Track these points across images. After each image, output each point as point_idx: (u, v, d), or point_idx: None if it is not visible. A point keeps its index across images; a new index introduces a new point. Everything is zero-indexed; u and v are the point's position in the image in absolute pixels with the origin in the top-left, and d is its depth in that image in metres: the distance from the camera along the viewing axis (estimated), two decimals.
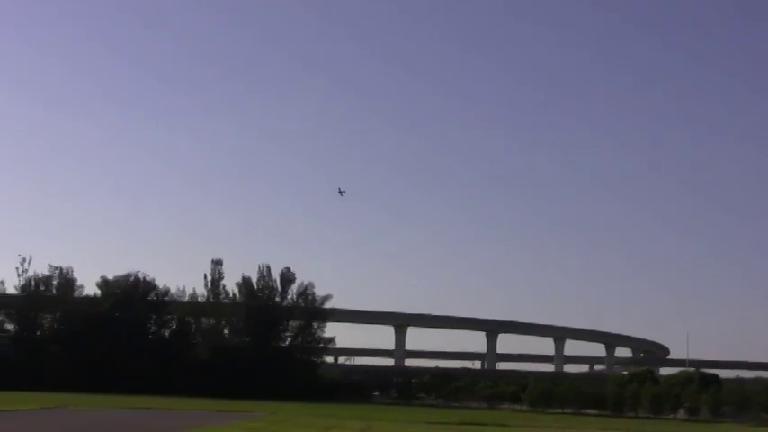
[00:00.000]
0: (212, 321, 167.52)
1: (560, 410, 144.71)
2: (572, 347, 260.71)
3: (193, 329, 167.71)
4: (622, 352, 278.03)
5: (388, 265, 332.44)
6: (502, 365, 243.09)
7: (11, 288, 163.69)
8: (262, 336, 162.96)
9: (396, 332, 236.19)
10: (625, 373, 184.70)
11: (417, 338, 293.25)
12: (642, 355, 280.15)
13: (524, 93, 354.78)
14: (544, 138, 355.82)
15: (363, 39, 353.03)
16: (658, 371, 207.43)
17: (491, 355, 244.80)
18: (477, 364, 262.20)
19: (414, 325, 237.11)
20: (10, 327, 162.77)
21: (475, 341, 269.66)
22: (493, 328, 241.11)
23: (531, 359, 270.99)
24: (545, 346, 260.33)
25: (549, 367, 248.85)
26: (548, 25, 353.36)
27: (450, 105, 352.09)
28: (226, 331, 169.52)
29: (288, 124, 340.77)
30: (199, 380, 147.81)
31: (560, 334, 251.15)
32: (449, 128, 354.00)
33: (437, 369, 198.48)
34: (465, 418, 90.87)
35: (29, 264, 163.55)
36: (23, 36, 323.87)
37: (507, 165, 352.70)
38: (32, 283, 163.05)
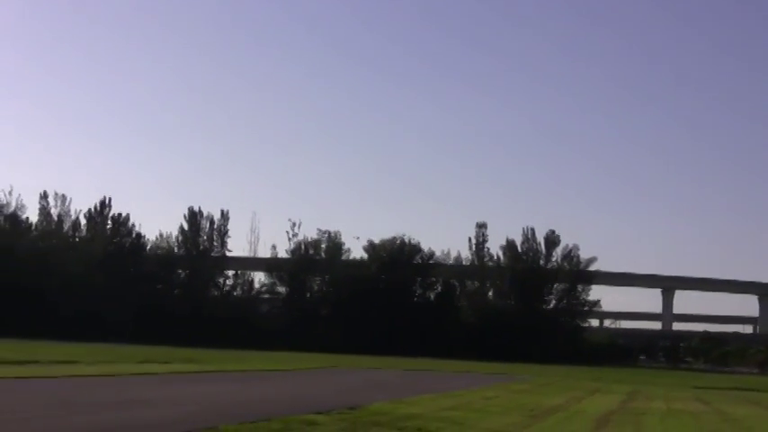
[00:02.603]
0: (477, 284, 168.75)
1: None
2: None
3: (458, 292, 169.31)
4: None
5: (657, 225, 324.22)
6: None
7: (282, 252, 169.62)
8: (526, 299, 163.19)
9: (663, 295, 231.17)
10: None
11: (686, 301, 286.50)
12: None
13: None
14: None
15: None
16: None
17: (764, 319, 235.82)
18: (748, 329, 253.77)
19: (682, 288, 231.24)
20: (282, 290, 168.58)
21: (746, 305, 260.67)
22: (766, 291, 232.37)
23: None
24: None
25: None
26: None
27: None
28: (490, 294, 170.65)
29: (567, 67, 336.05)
30: (463, 342, 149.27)
31: None
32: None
33: (706, 333, 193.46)
34: (736, 384, 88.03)
35: (299, 228, 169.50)
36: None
37: None
38: (302, 247, 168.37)
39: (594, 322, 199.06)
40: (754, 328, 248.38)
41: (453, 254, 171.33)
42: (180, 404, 32.00)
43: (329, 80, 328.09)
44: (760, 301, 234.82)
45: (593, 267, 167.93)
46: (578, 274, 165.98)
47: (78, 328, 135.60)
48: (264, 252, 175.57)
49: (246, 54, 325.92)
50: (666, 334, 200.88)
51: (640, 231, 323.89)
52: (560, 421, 33.33)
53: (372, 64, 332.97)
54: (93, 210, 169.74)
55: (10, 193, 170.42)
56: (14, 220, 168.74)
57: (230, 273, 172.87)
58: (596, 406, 43.26)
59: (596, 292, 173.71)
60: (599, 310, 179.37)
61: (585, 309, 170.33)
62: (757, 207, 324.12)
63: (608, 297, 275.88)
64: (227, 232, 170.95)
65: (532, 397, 47.99)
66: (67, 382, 41.66)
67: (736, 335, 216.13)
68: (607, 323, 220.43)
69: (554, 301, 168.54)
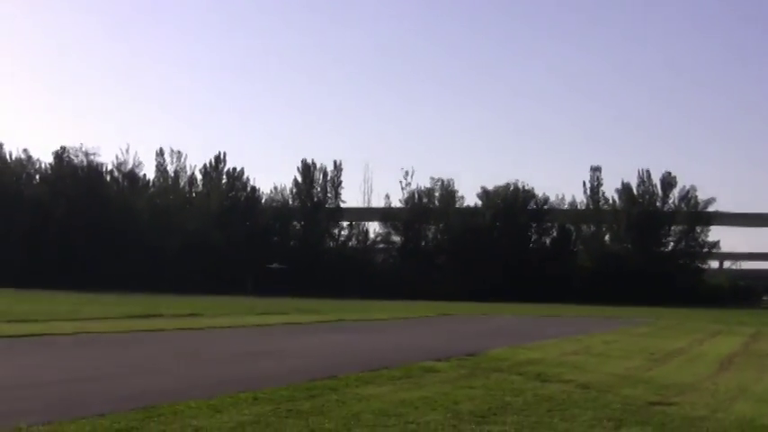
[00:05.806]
0: (593, 229, 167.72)
1: None
2: None
3: (574, 237, 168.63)
4: None
5: None
6: None
7: (395, 202, 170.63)
8: (643, 242, 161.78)
9: None
10: None
11: None
12: None
13: None
14: None
15: None
16: None
17: None
18: None
19: None
20: (396, 239, 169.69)
21: None
22: None
23: None
24: None
25: None
26: None
27: None
28: (606, 238, 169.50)
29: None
30: (580, 287, 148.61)
31: None
32: None
33: None
34: None
35: (412, 177, 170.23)
36: None
37: None
38: (416, 195, 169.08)
39: (714, 264, 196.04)
40: None
41: (568, 198, 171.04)
42: (302, 355, 32.49)
43: (441, 26, 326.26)
44: None
45: (711, 208, 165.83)
46: (696, 215, 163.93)
47: (197, 283, 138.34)
48: (378, 202, 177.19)
49: (354, 3, 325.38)
50: None
51: (759, 170, 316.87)
52: (682, 364, 33.04)
53: (485, 7, 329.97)
54: (208, 165, 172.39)
55: (127, 150, 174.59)
56: (132, 177, 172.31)
57: (345, 224, 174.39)
58: (719, 348, 42.76)
59: (715, 233, 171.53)
60: (718, 251, 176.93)
61: (704, 250, 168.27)
62: None
63: (727, 238, 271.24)
64: (340, 183, 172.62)
65: (653, 340, 47.60)
66: (193, 335, 42.56)
67: None
68: (727, 264, 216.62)
69: (672, 244, 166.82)
